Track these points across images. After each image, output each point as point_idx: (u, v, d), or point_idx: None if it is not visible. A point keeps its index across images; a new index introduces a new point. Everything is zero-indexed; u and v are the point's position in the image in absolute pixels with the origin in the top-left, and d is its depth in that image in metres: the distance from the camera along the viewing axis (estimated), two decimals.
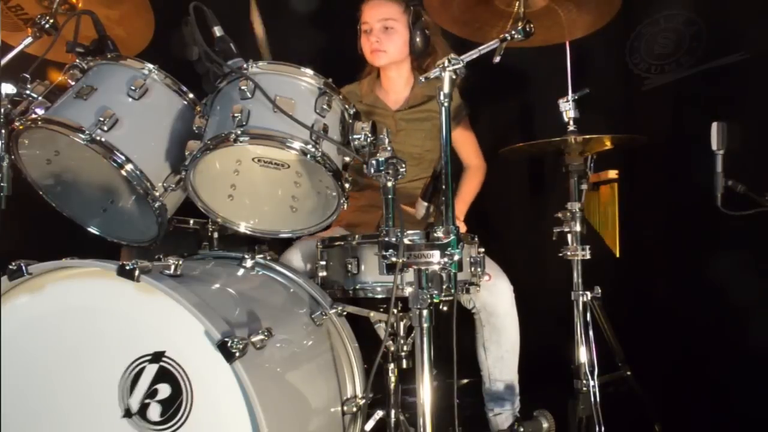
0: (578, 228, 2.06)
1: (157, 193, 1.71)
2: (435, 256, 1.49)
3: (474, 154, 2.59)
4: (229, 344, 1.34)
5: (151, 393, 1.42)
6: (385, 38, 2.38)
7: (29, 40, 1.85)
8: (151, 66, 1.76)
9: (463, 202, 2.48)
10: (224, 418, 1.41)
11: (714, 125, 1.83)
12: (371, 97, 2.50)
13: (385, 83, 2.53)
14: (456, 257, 1.48)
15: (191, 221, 2.00)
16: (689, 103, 2.61)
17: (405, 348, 1.77)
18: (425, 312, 1.49)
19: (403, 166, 1.51)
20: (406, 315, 1.74)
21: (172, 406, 1.41)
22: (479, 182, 2.57)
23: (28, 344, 1.51)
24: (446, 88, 1.55)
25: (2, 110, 1.63)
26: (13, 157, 1.71)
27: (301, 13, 2.98)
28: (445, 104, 1.54)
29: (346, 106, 1.74)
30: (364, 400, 1.73)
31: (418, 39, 2.34)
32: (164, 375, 1.42)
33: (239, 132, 1.58)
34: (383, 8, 2.38)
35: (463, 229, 2.31)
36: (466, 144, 2.57)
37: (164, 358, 1.42)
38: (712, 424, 2.35)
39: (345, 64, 2.57)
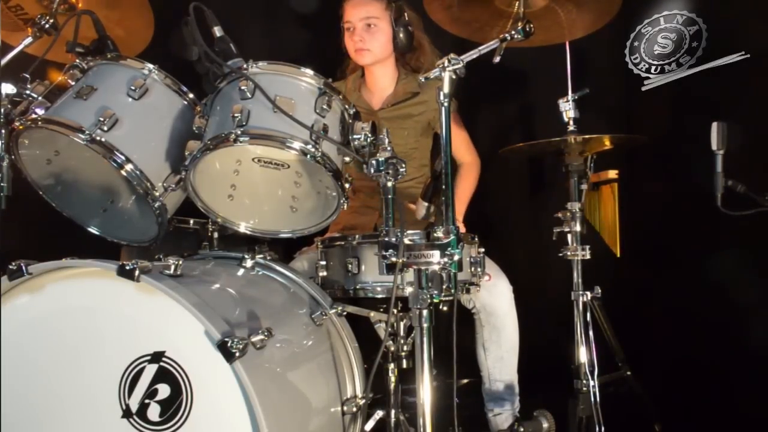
0: (578, 228, 2.06)
1: (157, 193, 1.71)
2: (435, 256, 1.49)
3: (465, 150, 2.53)
4: (229, 344, 1.34)
5: (151, 393, 1.42)
6: (369, 36, 2.36)
7: (29, 40, 1.85)
8: (151, 66, 1.76)
9: (459, 203, 2.41)
10: (224, 418, 1.40)
11: (714, 125, 1.82)
12: (354, 96, 2.47)
13: (370, 81, 2.52)
14: (456, 257, 1.48)
15: (191, 221, 2.01)
16: (689, 103, 2.61)
17: (405, 348, 1.77)
18: (425, 312, 1.49)
19: (403, 166, 1.51)
20: (406, 315, 1.74)
21: (172, 407, 1.41)
22: (474, 180, 2.51)
23: (28, 344, 1.51)
24: (446, 88, 1.54)
25: (2, 110, 1.63)
26: (13, 157, 1.70)
27: (296, 12, 2.99)
28: (445, 104, 1.54)
29: (346, 106, 1.74)
30: (364, 400, 1.73)
31: (401, 35, 2.31)
32: (164, 375, 1.42)
33: (239, 132, 1.58)
34: (365, 7, 2.36)
35: (462, 230, 2.29)
36: (455, 140, 2.43)
37: (164, 358, 1.42)
38: (713, 424, 2.35)
39: (336, 63, 2.57)
